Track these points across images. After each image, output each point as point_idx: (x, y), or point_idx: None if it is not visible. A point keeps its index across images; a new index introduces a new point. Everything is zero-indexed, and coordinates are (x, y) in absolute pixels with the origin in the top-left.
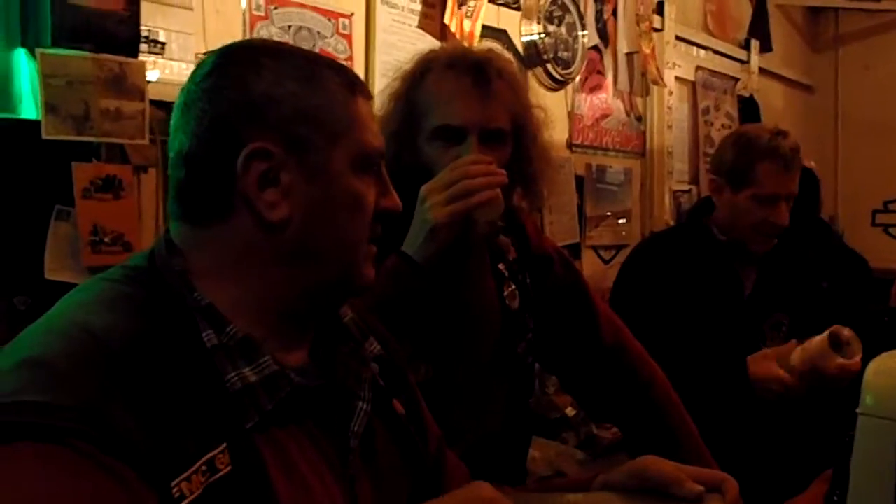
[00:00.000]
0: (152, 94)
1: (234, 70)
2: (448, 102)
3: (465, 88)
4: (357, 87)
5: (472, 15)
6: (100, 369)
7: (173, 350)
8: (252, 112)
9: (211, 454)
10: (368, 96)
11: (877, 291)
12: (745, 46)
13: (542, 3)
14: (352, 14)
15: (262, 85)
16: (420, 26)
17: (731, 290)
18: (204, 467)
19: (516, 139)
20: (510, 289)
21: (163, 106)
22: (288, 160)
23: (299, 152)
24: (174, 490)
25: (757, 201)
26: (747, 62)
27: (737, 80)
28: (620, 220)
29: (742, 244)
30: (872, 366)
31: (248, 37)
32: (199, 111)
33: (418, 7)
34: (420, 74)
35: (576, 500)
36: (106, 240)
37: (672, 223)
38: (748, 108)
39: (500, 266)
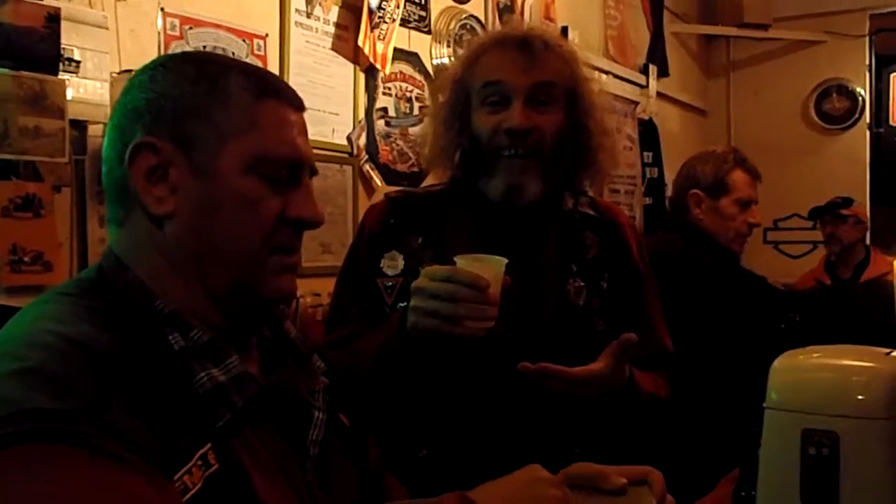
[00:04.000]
0: (68, 112)
1: (146, 75)
2: (493, 65)
3: (511, 55)
4: (270, 93)
5: (384, 38)
6: (91, 375)
7: (146, 355)
8: (147, 110)
9: (203, 450)
10: (292, 105)
11: None
12: (644, 71)
13: (451, 27)
14: (266, 35)
15: (163, 85)
16: (334, 48)
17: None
18: (200, 461)
19: (570, 110)
20: (576, 285)
21: (77, 124)
22: (176, 156)
23: (187, 149)
24: (177, 483)
25: (738, 205)
26: (646, 86)
27: (636, 103)
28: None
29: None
30: (776, 364)
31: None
32: (114, 113)
33: (332, 29)
34: (474, 57)
35: None
36: (26, 259)
37: None
38: (647, 131)
39: (572, 263)
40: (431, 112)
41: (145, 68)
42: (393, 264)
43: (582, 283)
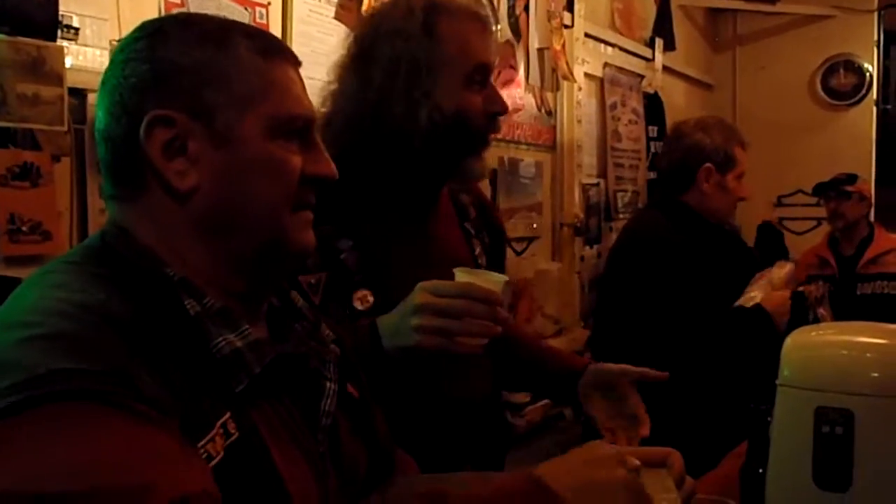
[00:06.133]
0: (66, 80)
1: (142, 42)
2: (476, 44)
3: (483, 33)
4: (275, 53)
5: None
6: (111, 339)
7: (162, 319)
8: (156, 81)
9: (223, 418)
10: (293, 62)
11: None
12: (650, 45)
13: None
14: (268, 3)
15: (168, 54)
16: (337, 17)
17: (723, 268)
18: (221, 430)
19: None
20: (478, 248)
21: (76, 93)
22: (194, 127)
23: (206, 118)
24: (201, 452)
25: (739, 180)
26: (652, 60)
27: (642, 77)
28: (532, 213)
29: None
30: (789, 340)
31: None
32: (110, 86)
33: None
34: (425, 30)
35: None
36: (24, 229)
37: (581, 216)
38: (653, 105)
39: (467, 225)
40: (358, 81)
41: (136, 36)
42: (312, 260)
43: (480, 243)
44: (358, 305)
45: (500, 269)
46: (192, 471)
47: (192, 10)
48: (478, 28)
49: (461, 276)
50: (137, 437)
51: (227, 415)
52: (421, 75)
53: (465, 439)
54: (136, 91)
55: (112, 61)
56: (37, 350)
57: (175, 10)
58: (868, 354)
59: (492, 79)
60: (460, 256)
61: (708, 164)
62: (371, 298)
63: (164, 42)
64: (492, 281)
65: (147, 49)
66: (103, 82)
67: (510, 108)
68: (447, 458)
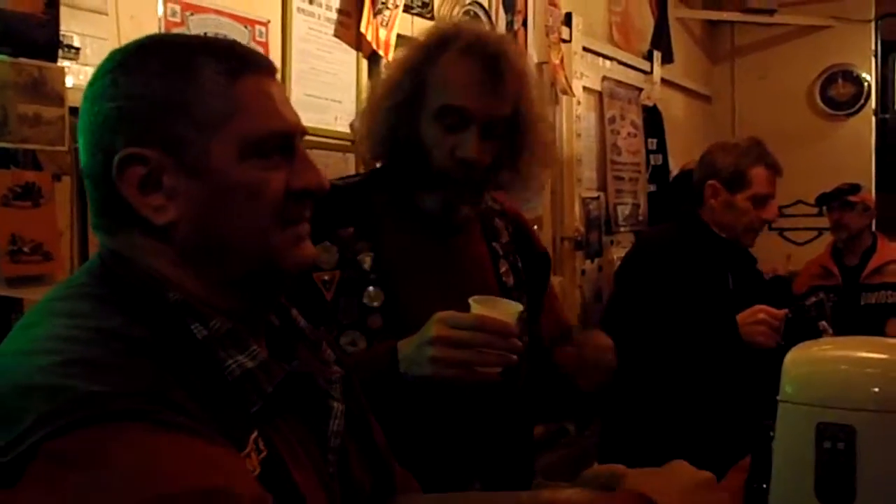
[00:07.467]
0: (67, 100)
1: (107, 79)
2: (458, 85)
3: (478, 77)
4: (244, 69)
5: (387, 24)
6: (142, 362)
7: (175, 344)
8: (122, 119)
9: (253, 435)
10: (267, 73)
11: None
12: (648, 58)
13: (454, 13)
14: (268, 22)
15: (131, 88)
16: (336, 35)
17: (722, 283)
18: (254, 445)
19: (512, 126)
20: (504, 267)
21: (77, 112)
22: (166, 161)
23: (176, 152)
24: None
25: (752, 202)
26: (650, 73)
27: (641, 90)
28: (533, 227)
29: (733, 241)
30: (790, 356)
31: None
32: (84, 124)
33: (334, 16)
34: (435, 51)
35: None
36: (25, 249)
37: (582, 230)
38: (652, 118)
39: (495, 245)
40: (378, 92)
41: (103, 71)
42: (328, 257)
43: (507, 265)
44: (368, 302)
45: (542, 291)
46: (252, 477)
47: (193, 28)
48: (471, 69)
49: (476, 306)
50: (193, 448)
51: (256, 432)
52: (414, 98)
53: (486, 453)
54: (106, 129)
55: (84, 97)
56: (71, 375)
57: (175, 31)
58: (869, 370)
59: (476, 128)
60: (481, 271)
61: (712, 182)
62: (382, 297)
63: (125, 76)
64: (506, 312)
65: (111, 85)
66: (80, 119)
67: None
68: (470, 471)
